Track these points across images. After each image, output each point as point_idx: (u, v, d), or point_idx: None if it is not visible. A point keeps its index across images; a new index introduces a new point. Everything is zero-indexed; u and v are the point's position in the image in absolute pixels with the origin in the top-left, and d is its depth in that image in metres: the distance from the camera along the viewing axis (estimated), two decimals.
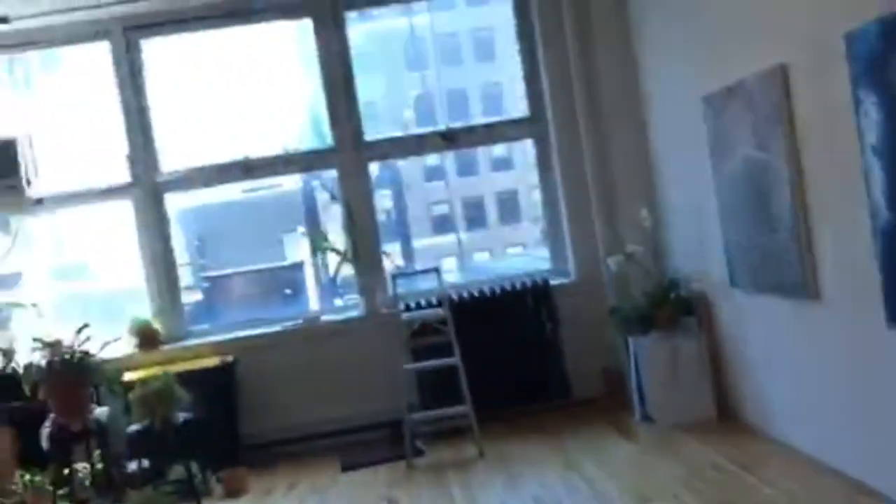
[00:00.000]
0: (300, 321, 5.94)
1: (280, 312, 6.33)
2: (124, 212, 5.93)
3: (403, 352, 5.37)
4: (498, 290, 5.80)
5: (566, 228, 5.99)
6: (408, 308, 5.58)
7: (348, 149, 5.97)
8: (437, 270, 5.43)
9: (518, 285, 5.80)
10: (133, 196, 5.89)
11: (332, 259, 6.38)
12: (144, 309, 5.98)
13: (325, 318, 5.99)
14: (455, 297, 5.69)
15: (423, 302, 5.71)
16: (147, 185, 5.88)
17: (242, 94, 6.72)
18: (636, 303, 5.26)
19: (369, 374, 5.74)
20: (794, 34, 3.66)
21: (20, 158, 5.64)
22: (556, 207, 6.05)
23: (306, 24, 6.00)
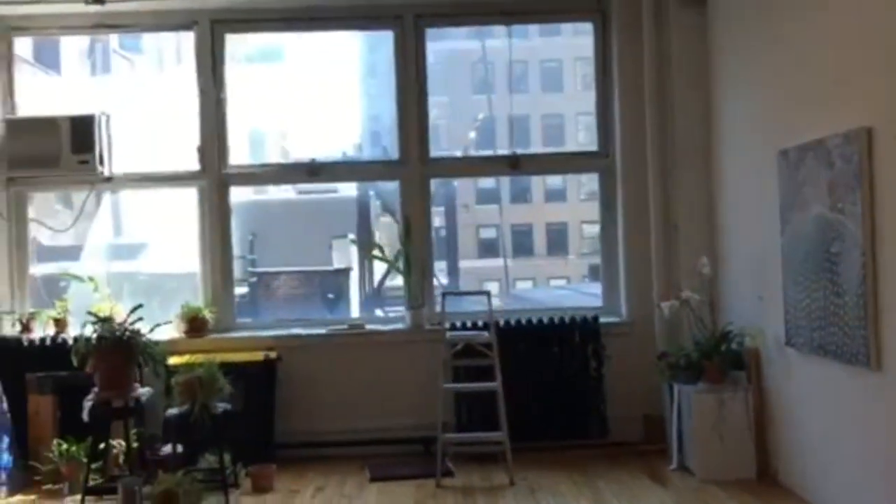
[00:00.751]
0: (345, 326, 5.96)
1: (326, 315, 6.38)
2: (188, 199, 6.04)
3: (444, 370, 5.36)
4: (546, 321, 5.76)
5: (622, 267, 5.94)
6: (453, 327, 5.57)
7: (413, 163, 6.00)
8: (487, 294, 5.41)
9: (567, 319, 5.76)
10: (199, 185, 6.00)
11: (380, 269, 6.46)
12: (193, 296, 6.08)
13: (369, 326, 6.00)
14: (501, 322, 5.66)
15: (468, 323, 5.70)
16: (214, 176, 5.97)
17: (314, 96, 6.83)
18: (686, 351, 5.19)
19: (407, 388, 5.74)
20: (884, 99, 3.60)
21: (96, 136, 5.79)
22: (614, 245, 6.01)
23: (381, 36, 6.07)
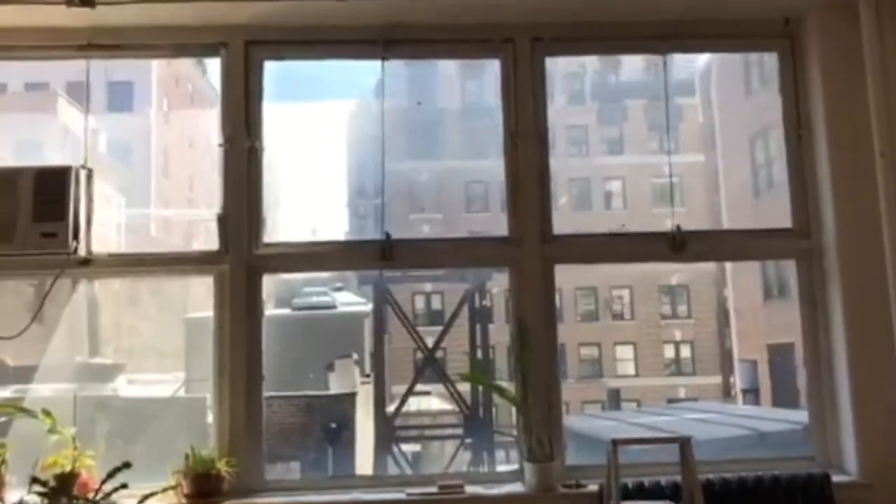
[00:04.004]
0: (433, 489, 3.92)
1: (399, 469, 4.37)
2: (201, 291, 4.14)
3: None
4: (750, 480, 3.76)
5: (845, 399, 4.01)
6: (627, 495, 3.56)
7: (530, 242, 4.15)
8: (681, 442, 3.43)
9: (782, 476, 3.77)
10: (218, 272, 4.08)
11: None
12: (199, 433, 4.13)
13: (471, 489, 3.96)
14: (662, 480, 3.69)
15: (628, 483, 3.71)
16: (240, 259, 4.07)
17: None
18: None
19: None
20: None
21: (70, 198, 3.94)
22: (828, 364, 4.10)
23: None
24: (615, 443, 3.39)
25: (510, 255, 4.18)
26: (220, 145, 4.15)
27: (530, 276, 4.13)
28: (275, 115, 4.22)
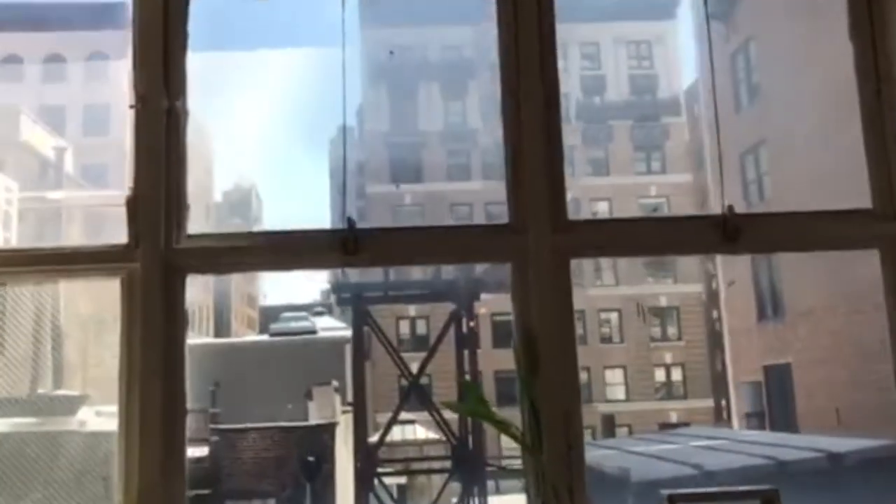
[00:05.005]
0: None
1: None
2: (107, 296, 3.13)
3: None
4: None
5: None
6: None
7: (540, 229, 3.18)
8: (770, 497, 2.44)
9: None
10: (127, 272, 3.08)
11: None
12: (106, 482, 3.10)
13: None
14: None
15: None
16: (154, 254, 3.08)
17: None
18: None
19: None
20: None
21: None
22: None
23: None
24: (672, 500, 2.39)
25: (512, 246, 3.21)
26: (132, 107, 3.18)
27: (539, 274, 3.15)
28: (203, 69, 3.26)
